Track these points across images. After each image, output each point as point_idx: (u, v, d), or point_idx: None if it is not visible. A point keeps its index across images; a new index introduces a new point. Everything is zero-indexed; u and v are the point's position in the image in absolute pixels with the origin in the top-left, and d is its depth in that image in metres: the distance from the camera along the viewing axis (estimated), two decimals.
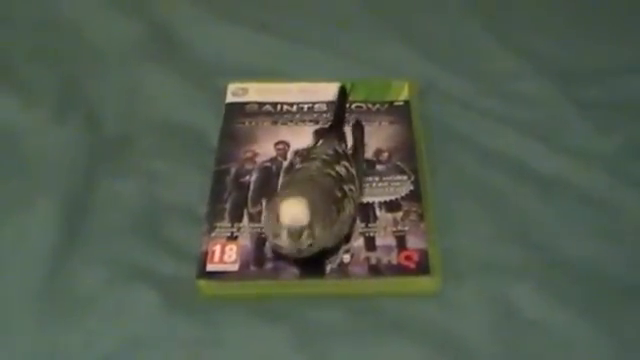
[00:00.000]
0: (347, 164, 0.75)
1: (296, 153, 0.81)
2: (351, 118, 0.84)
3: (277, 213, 0.67)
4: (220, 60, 0.94)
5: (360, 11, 1.00)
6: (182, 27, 0.98)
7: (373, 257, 0.72)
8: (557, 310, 0.69)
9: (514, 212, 0.77)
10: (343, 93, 0.87)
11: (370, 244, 0.73)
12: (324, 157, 0.75)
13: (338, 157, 0.75)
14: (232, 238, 0.73)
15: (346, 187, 0.73)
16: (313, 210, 0.67)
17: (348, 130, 0.82)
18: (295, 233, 0.67)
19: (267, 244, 0.72)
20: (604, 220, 0.77)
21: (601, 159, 0.82)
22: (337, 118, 0.83)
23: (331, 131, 0.81)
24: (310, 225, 0.67)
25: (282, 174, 0.79)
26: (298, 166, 0.76)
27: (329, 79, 0.88)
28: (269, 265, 0.71)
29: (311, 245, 0.68)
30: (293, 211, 0.67)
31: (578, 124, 0.86)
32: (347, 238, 0.73)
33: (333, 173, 0.73)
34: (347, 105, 0.86)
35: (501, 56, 0.94)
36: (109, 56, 0.94)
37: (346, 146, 0.79)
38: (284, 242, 0.67)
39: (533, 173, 0.81)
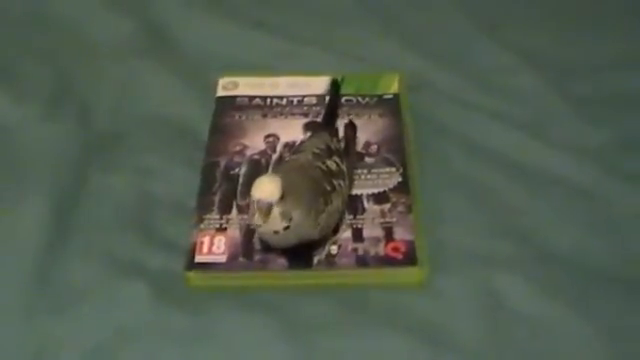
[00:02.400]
0: (338, 160, 0.75)
1: (286, 146, 0.81)
2: (342, 112, 0.84)
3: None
4: (212, 56, 0.94)
5: (352, 7, 1.01)
6: (175, 23, 0.98)
7: (361, 248, 0.72)
8: (545, 302, 0.69)
9: (503, 205, 0.78)
10: (335, 86, 0.87)
11: (358, 235, 0.73)
12: (315, 151, 0.75)
13: (330, 152, 0.76)
14: (221, 229, 0.74)
15: (335, 182, 0.73)
16: (293, 193, 0.68)
17: (341, 127, 0.82)
18: (263, 208, 0.67)
19: (256, 236, 0.72)
20: (593, 213, 0.77)
21: (591, 153, 0.82)
22: (330, 111, 0.84)
23: (323, 125, 0.82)
24: (285, 206, 0.67)
25: (271, 167, 0.79)
26: (288, 158, 0.77)
27: (321, 74, 0.89)
28: (257, 256, 0.72)
29: (287, 227, 0.68)
30: (264, 187, 0.67)
31: (568, 118, 0.86)
32: (334, 231, 0.73)
33: (323, 167, 0.73)
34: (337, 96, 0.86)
35: (492, 51, 0.94)
36: (101, 52, 0.95)
37: (338, 141, 0.79)
38: (257, 220, 0.68)
39: (523, 167, 0.81)
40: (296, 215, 0.68)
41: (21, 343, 0.67)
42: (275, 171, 0.75)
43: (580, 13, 0.99)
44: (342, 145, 0.79)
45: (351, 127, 0.83)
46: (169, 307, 0.69)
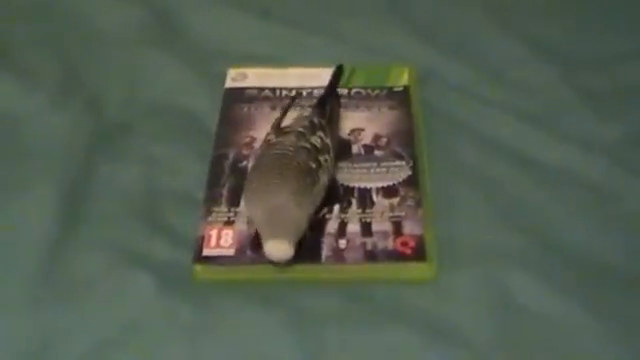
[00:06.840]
0: (322, 134, 0.75)
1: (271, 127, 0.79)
2: (351, 104, 0.84)
3: (260, 242, 0.69)
4: (221, 46, 0.94)
5: None
6: (184, 12, 0.98)
7: (369, 242, 0.71)
8: (554, 298, 0.69)
9: (512, 200, 0.77)
10: (339, 71, 0.86)
11: (366, 230, 0.73)
12: (299, 129, 0.75)
13: (313, 128, 0.76)
14: (229, 223, 0.73)
15: (321, 158, 0.73)
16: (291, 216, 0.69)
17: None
18: (282, 264, 0.69)
19: None
20: (604, 208, 0.76)
21: (602, 147, 0.81)
22: (324, 94, 0.83)
23: (316, 106, 0.81)
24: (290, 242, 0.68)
25: (253, 158, 0.78)
26: (273, 140, 0.76)
27: (330, 65, 0.88)
28: None
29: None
30: (279, 252, 0.68)
31: (579, 112, 0.85)
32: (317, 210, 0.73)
33: (308, 145, 0.73)
34: (340, 84, 0.85)
35: (502, 43, 0.94)
36: (110, 41, 0.95)
37: (325, 119, 0.79)
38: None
39: (533, 161, 0.80)
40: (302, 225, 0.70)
41: (28, 334, 0.67)
42: (257, 164, 0.75)
43: (593, 5, 0.98)
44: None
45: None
46: (176, 300, 0.69)
